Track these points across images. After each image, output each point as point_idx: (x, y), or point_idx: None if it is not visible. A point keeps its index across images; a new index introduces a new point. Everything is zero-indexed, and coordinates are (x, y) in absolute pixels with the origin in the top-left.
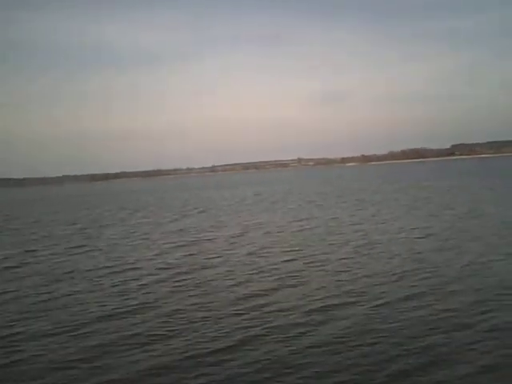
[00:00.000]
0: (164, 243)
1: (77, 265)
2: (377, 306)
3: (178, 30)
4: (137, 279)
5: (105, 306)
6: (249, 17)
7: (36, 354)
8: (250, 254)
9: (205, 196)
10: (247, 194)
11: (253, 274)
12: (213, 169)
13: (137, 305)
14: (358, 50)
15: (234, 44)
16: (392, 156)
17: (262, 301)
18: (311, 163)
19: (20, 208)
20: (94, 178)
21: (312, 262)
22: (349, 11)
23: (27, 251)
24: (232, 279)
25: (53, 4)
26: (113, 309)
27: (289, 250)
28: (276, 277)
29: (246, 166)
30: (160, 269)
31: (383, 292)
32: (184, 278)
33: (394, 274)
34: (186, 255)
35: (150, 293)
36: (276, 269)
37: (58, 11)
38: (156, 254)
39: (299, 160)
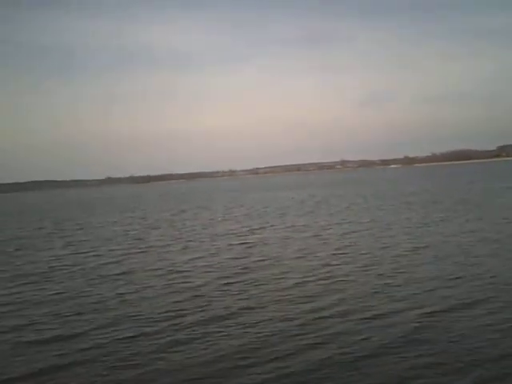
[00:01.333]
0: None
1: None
2: (434, 312)
3: (217, 32)
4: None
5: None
6: (288, 18)
7: None
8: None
9: (268, 198)
10: (303, 195)
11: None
12: (255, 171)
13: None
14: (399, 50)
15: (272, 46)
16: (435, 158)
17: (316, 305)
18: (354, 165)
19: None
20: (136, 180)
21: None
22: (388, 11)
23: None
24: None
25: (91, 7)
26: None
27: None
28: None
29: (289, 168)
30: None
31: (442, 297)
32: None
33: (450, 279)
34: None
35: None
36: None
37: (96, 15)
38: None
39: (342, 162)
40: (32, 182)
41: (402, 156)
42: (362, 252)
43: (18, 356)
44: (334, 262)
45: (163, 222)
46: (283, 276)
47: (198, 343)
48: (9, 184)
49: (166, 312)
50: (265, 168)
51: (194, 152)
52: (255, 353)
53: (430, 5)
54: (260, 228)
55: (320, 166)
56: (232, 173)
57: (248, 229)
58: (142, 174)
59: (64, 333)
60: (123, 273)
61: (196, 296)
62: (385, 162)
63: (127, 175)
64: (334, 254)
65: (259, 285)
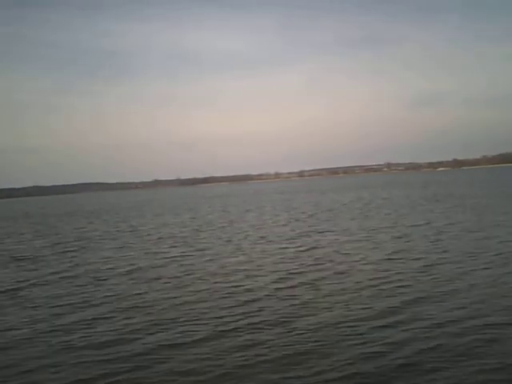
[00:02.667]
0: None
1: None
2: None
3: (266, 34)
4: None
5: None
6: (338, 19)
7: None
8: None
9: (318, 200)
10: (365, 196)
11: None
12: (301, 174)
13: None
14: (449, 51)
15: (321, 47)
16: (486, 160)
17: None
18: (400, 168)
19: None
20: (182, 182)
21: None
22: (440, 11)
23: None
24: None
25: (148, 14)
26: None
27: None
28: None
29: (335, 171)
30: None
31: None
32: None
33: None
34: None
35: None
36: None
37: (147, 19)
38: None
39: (388, 165)
40: (81, 184)
41: (450, 159)
42: (416, 256)
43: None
44: (390, 266)
45: (213, 224)
46: (340, 280)
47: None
48: (58, 186)
49: (228, 315)
50: (311, 170)
51: (240, 154)
52: (320, 357)
53: (482, 5)
54: (312, 231)
55: (366, 169)
56: (278, 175)
57: (300, 231)
58: (188, 177)
59: (117, 336)
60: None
61: (252, 300)
62: (432, 165)
63: (174, 177)
64: (388, 259)
65: (322, 286)
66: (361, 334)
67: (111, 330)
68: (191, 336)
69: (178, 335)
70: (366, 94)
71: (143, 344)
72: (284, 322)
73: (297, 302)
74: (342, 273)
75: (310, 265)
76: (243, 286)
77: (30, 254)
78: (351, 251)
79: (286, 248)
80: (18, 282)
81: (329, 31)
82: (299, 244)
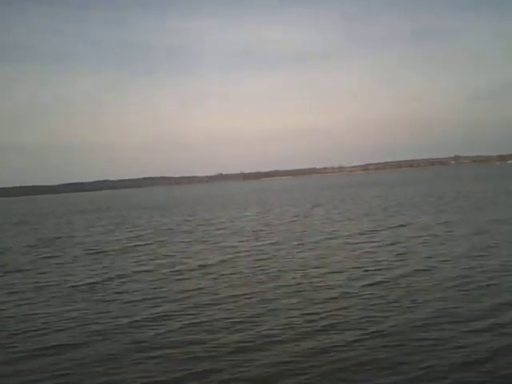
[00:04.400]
0: None
1: None
2: None
3: (324, 29)
4: None
5: None
6: (398, 13)
7: None
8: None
9: (387, 194)
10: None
11: None
12: (365, 167)
13: None
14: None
15: (377, 41)
16: None
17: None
18: (467, 161)
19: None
20: (246, 176)
21: None
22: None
23: None
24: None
25: (204, 11)
26: None
27: None
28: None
29: (400, 165)
30: None
31: None
32: None
33: None
34: None
35: None
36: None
37: (209, 15)
38: None
39: (456, 158)
40: (147, 178)
41: None
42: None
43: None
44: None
45: (281, 219)
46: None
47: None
48: (125, 180)
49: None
50: (375, 164)
51: (304, 148)
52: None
53: None
54: (382, 226)
55: (432, 162)
56: (342, 169)
57: (374, 226)
58: (252, 171)
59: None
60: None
61: (333, 297)
62: (502, 158)
63: (238, 171)
64: (470, 256)
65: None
66: (460, 336)
67: (188, 327)
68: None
69: (263, 333)
70: (430, 87)
71: (222, 344)
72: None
73: (379, 299)
74: (425, 270)
75: (394, 261)
76: (325, 281)
77: (112, 247)
78: (437, 246)
79: (361, 243)
80: (100, 275)
81: (383, 25)
82: (378, 239)
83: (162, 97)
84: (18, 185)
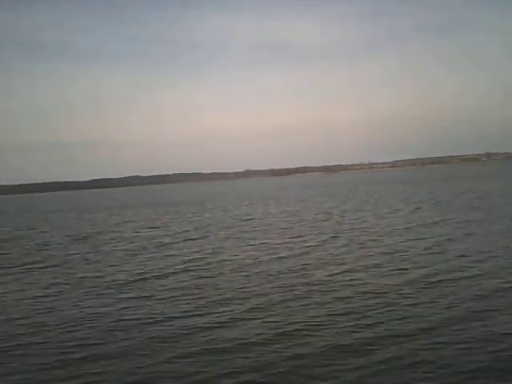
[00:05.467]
0: None
1: None
2: None
3: (345, 25)
4: None
5: None
6: (425, 5)
7: None
8: None
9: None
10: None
11: None
12: (394, 164)
13: None
14: None
15: (406, 35)
16: None
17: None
18: (499, 157)
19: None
20: (275, 172)
21: None
22: None
23: None
24: None
25: (232, 5)
26: None
27: None
28: None
29: (430, 161)
30: None
31: None
32: None
33: None
34: None
35: None
36: None
37: (235, 13)
38: None
39: (488, 154)
40: (177, 174)
41: None
42: None
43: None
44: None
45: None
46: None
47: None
48: (156, 176)
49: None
50: (404, 160)
51: (332, 144)
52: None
53: None
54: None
55: (463, 159)
56: (371, 165)
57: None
58: (281, 167)
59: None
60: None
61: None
62: None
63: (266, 168)
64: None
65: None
66: None
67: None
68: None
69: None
70: (458, 82)
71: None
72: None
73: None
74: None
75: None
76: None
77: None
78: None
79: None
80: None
81: (408, 18)
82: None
83: (190, 92)
84: (49, 180)
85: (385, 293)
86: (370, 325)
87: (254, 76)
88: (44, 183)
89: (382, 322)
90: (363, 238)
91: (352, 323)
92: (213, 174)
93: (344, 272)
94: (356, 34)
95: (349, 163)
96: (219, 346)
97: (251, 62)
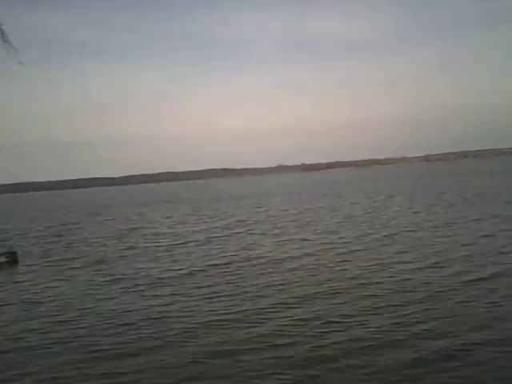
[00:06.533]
0: None
1: None
2: None
3: (382, 18)
4: None
5: None
6: None
7: None
8: None
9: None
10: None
11: None
12: (427, 158)
13: None
14: None
15: (443, 29)
16: None
17: None
18: None
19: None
20: (306, 167)
21: None
22: None
23: None
24: None
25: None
26: None
27: None
28: None
29: (464, 155)
30: None
31: None
32: None
33: None
34: None
35: None
36: None
37: (263, 8)
38: None
39: None
40: (209, 170)
41: None
42: None
43: None
44: None
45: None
46: None
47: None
48: (188, 172)
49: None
50: (437, 154)
51: (365, 139)
52: None
53: None
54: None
55: (498, 152)
56: (404, 159)
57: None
58: (312, 162)
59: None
60: None
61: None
62: None
63: (298, 163)
64: None
65: None
66: None
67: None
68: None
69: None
70: (490, 76)
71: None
72: None
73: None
74: None
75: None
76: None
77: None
78: None
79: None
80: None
81: (447, 11)
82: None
83: (227, 88)
84: (84, 177)
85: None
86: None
87: (287, 72)
88: (84, 179)
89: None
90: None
91: None
92: (244, 169)
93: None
94: (389, 28)
95: (382, 158)
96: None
97: (283, 58)
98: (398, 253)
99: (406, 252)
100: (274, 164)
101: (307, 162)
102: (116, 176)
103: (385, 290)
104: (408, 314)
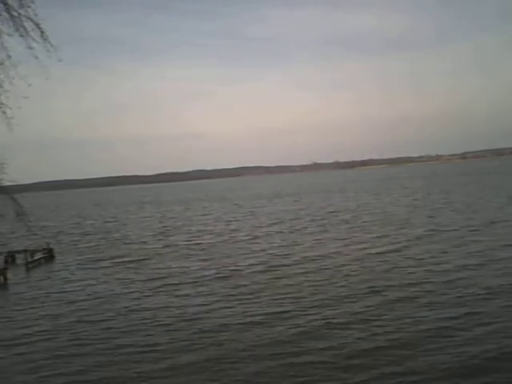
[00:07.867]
0: None
1: None
2: None
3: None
4: None
5: None
6: None
7: None
8: None
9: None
10: None
11: None
12: (463, 155)
13: None
14: None
15: (477, 24)
16: None
17: None
18: None
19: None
20: (340, 165)
21: None
22: None
23: None
24: None
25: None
26: None
27: None
28: None
29: (501, 152)
30: None
31: None
32: None
33: None
34: None
35: None
36: None
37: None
38: None
39: None
40: (241, 167)
41: None
42: None
43: None
44: None
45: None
46: None
47: None
48: (220, 170)
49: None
50: (474, 152)
51: (399, 136)
52: None
53: None
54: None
55: None
56: (438, 157)
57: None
58: (346, 159)
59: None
60: None
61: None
62: None
63: (332, 160)
64: None
65: None
66: None
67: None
68: None
69: None
70: None
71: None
72: None
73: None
74: None
75: None
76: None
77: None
78: None
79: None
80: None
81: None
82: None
83: (258, 86)
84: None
85: None
86: None
87: (318, 68)
88: (117, 176)
89: None
90: None
91: None
92: (277, 167)
93: None
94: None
95: (416, 155)
96: None
97: (324, 53)
98: None
99: None
100: (307, 162)
101: (341, 159)
102: (148, 174)
103: None
104: None
